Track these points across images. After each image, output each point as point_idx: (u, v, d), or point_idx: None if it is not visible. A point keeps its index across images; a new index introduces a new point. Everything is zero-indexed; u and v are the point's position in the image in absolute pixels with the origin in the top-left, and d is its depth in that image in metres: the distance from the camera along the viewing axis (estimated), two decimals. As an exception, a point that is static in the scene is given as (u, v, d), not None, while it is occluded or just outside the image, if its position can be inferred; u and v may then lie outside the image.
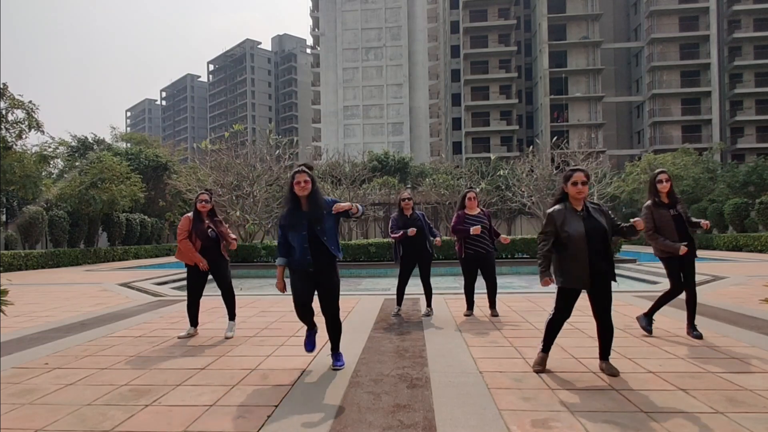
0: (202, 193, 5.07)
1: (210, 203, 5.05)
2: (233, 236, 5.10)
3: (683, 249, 4.33)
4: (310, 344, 3.88)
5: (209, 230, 4.95)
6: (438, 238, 5.99)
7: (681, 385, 3.22)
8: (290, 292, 3.75)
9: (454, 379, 3.41)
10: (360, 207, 3.65)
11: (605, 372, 3.48)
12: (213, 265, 4.99)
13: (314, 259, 3.55)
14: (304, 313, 3.74)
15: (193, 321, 5.08)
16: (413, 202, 6.03)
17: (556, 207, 3.51)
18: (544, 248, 3.47)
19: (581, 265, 3.34)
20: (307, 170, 3.65)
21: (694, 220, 4.58)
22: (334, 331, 3.78)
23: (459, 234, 5.88)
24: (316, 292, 3.72)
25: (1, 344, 4.74)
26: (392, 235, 5.84)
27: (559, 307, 3.55)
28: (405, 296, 6.91)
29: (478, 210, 6.02)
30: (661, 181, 4.51)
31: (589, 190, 3.46)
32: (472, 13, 52.41)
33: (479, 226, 5.72)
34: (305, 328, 5.16)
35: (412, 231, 5.70)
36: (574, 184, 3.40)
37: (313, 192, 3.62)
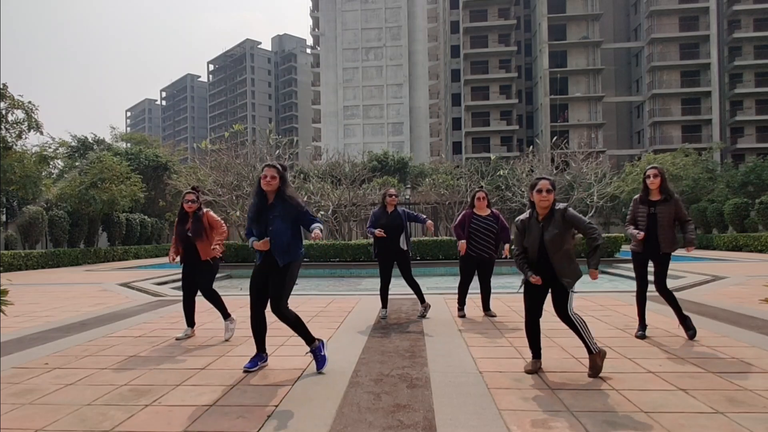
0: (188, 193, 4.90)
1: (196, 203, 4.87)
2: (218, 238, 4.79)
3: (640, 235, 4.49)
4: (250, 363, 3.74)
5: (188, 231, 4.78)
6: (429, 221, 5.69)
7: (681, 385, 3.23)
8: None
9: (454, 379, 3.41)
10: (320, 230, 3.57)
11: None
12: (190, 267, 4.88)
13: (269, 254, 3.59)
14: (255, 317, 3.68)
15: (189, 321, 5.00)
16: (397, 199, 5.84)
17: (521, 216, 3.64)
18: (518, 256, 3.62)
19: (532, 269, 3.50)
20: (278, 166, 3.62)
21: (689, 235, 4.52)
22: (291, 326, 3.69)
23: (456, 233, 5.89)
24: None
25: (1, 344, 4.74)
26: (368, 231, 5.78)
27: (526, 307, 3.62)
28: (405, 297, 6.90)
29: (489, 211, 5.84)
30: (648, 177, 4.56)
31: (554, 197, 3.47)
32: (472, 13, 52.41)
33: (464, 242, 5.73)
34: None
35: (379, 232, 5.57)
36: (539, 191, 3.42)
37: (280, 190, 3.60)
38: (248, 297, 3.83)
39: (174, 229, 4.95)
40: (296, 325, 3.68)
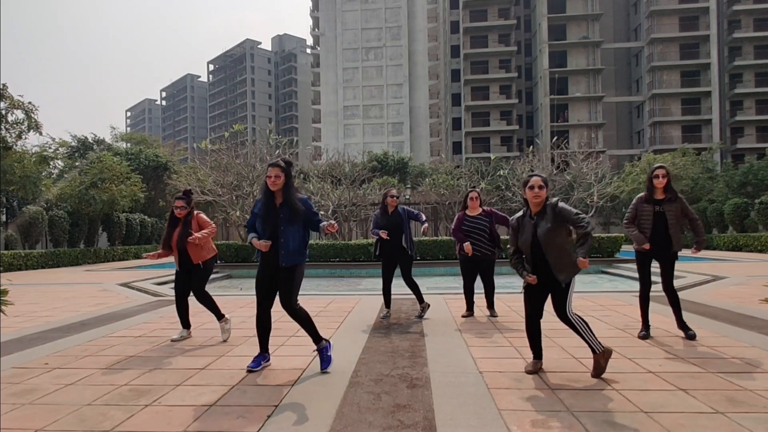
0: (177, 198, 4.86)
1: (186, 208, 4.82)
2: (198, 234, 4.70)
3: (646, 245, 4.49)
4: (254, 363, 3.73)
5: (177, 237, 4.78)
6: (426, 225, 5.61)
7: (681, 385, 3.23)
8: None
9: (454, 379, 3.41)
10: (330, 224, 3.51)
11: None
12: (184, 271, 4.89)
13: (272, 255, 3.56)
14: (261, 317, 3.68)
15: (184, 322, 5.01)
16: (398, 201, 5.83)
17: (516, 215, 3.67)
18: (513, 255, 3.65)
19: (530, 267, 3.52)
20: (281, 164, 3.59)
21: (699, 237, 4.54)
22: (302, 324, 3.70)
23: (455, 238, 5.97)
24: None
25: (1, 344, 4.74)
26: (373, 232, 5.75)
27: (526, 307, 3.62)
28: (406, 297, 6.89)
29: (480, 210, 5.91)
30: (657, 177, 4.51)
31: (547, 194, 3.50)
32: (472, 13, 52.41)
33: (468, 244, 5.73)
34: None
35: (384, 233, 5.54)
36: (531, 188, 3.45)
37: (286, 187, 3.58)
38: (247, 297, 3.83)
39: (164, 232, 4.93)
40: (307, 322, 3.70)
